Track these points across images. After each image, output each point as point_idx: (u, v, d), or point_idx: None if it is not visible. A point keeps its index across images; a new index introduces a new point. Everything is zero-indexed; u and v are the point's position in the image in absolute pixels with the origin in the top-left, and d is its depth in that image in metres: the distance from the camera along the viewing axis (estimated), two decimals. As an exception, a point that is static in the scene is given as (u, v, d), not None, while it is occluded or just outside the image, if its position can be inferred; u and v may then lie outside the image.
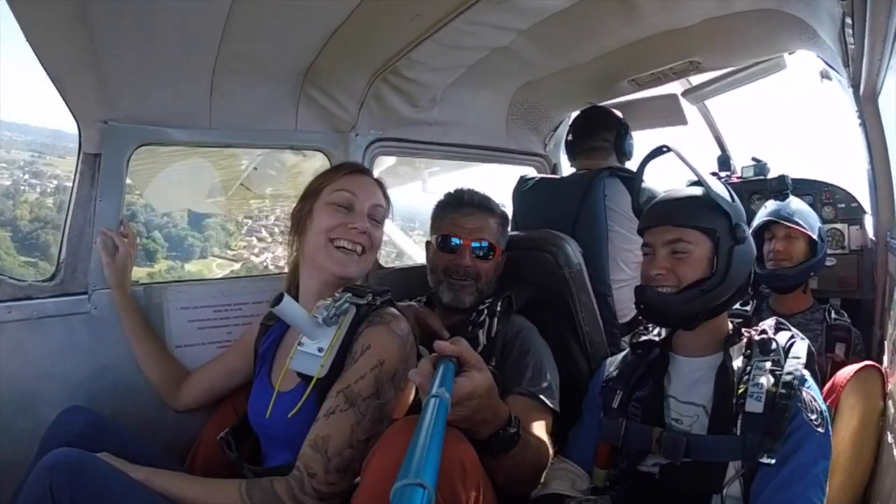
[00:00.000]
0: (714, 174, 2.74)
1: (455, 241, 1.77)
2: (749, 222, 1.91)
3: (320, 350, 1.30)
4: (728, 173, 2.66)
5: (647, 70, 2.19)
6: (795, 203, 2.10)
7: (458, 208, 1.82)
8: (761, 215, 2.12)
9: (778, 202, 2.11)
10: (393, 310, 1.39)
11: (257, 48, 1.67)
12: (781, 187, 2.16)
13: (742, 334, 1.35)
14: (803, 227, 2.02)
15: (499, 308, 1.70)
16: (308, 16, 1.57)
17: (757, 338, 1.32)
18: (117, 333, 1.67)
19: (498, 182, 2.61)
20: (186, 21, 1.44)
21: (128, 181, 1.73)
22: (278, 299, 1.24)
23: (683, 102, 2.58)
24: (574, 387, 1.68)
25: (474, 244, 1.76)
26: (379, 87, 1.98)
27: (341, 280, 1.43)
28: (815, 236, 2.03)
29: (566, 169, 2.64)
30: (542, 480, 1.39)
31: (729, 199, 1.36)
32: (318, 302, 1.36)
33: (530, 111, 2.53)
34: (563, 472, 1.41)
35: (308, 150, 2.12)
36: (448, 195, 1.88)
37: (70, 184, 1.68)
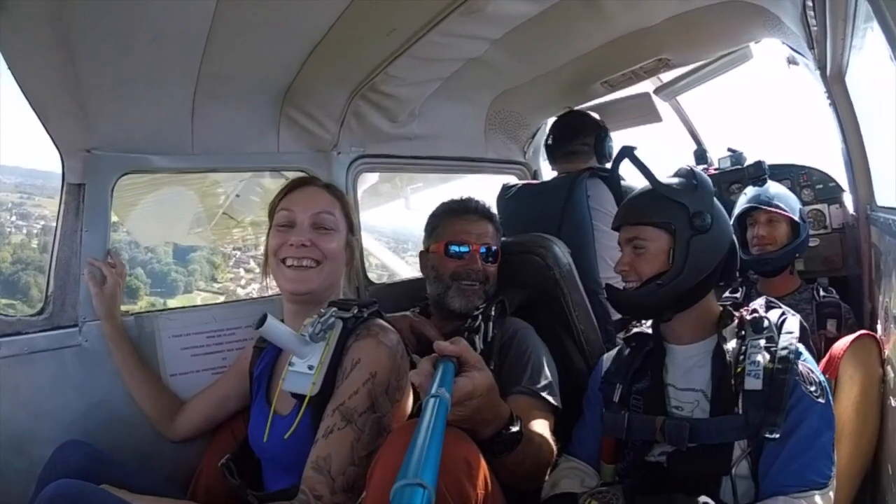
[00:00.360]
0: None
1: (464, 247, 1.80)
2: (730, 212, 1.96)
3: (310, 368, 1.29)
4: (705, 166, 2.71)
5: (618, 71, 2.24)
6: (774, 187, 2.14)
7: (464, 215, 1.85)
8: (741, 203, 2.16)
9: (757, 188, 2.15)
10: (380, 321, 1.38)
11: (236, 70, 1.69)
12: (758, 173, 2.20)
13: (733, 316, 1.37)
14: (784, 210, 2.06)
15: (493, 312, 1.71)
16: (285, 36, 1.60)
17: (749, 317, 1.34)
18: (110, 365, 1.65)
19: (480, 193, 2.64)
20: (165, 44, 1.46)
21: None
22: (262, 320, 1.22)
23: (656, 100, 2.63)
24: (573, 385, 1.69)
25: (482, 249, 1.79)
26: (358, 104, 2.01)
27: (307, 297, 1.44)
28: (796, 218, 2.07)
29: (546, 175, 2.69)
30: (552, 481, 1.39)
31: (690, 188, 1.39)
32: (304, 321, 1.35)
33: (507, 120, 2.57)
34: (572, 470, 1.41)
35: (291, 171, 2.11)
36: (452, 202, 1.92)
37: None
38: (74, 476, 1.28)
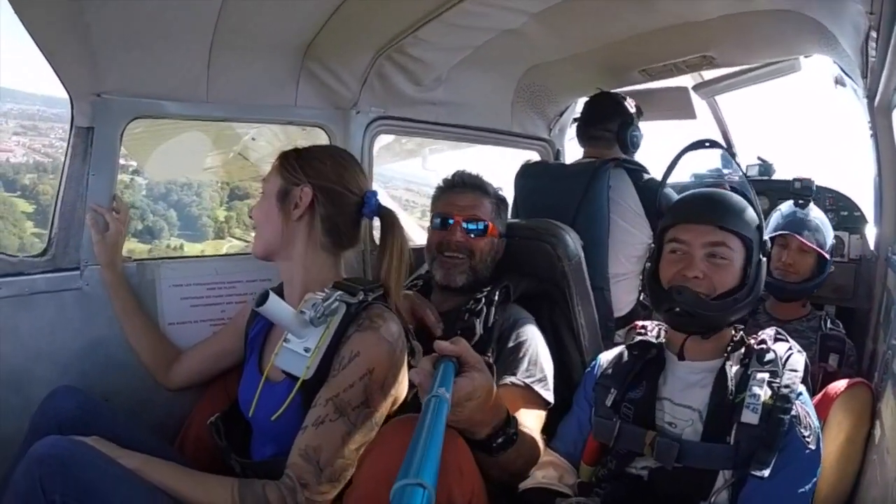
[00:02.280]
0: (716, 170, 2.72)
1: (448, 219, 1.76)
2: None
3: (307, 350, 1.27)
4: (730, 170, 2.63)
5: (659, 61, 2.13)
6: (816, 215, 2.06)
7: (453, 188, 1.82)
8: (777, 219, 2.09)
9: (797, 210, 2.07)
10: (384, 309, 1.35)
11: (256, 23, 1.60)
12: (805, 193, 2.10)
13: (744, 342, 1.35)
14: (820, 249, 2.00)
15: (496, 297, 1.69)
16: None
17: (756, 347, 1.31)
18: (110, 310, 1.65)
19: (501, 164, 2.58)
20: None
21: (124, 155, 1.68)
22: (263, 298, 1.20)
23: (693, 96, 2.53)
24: (566, 378, 1.69)
25: (467, 222, 1.74)
26: (382, 64, 1.92)
27: (263, 259, 1.46)
28: (826, 254, 2.01)
29: (570, 156, 2.61)
30: (530, 472, 1.40)
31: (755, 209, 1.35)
32: (306, 295, 1.33)
33: (537, 95, 2.47)
34: (552, 465, 1.42)
35: (308, 125, 2.06)
36: (445, 178, 1.86)
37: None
38: (65, 423, 1.32)
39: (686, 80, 2.49)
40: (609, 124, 2.18)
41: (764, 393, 1.21)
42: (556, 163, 2.42)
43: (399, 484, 0.63)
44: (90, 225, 1.60)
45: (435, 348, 1.07)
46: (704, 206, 1.34)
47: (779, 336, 1.36)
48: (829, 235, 2.05)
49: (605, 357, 1.51)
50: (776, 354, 1.28)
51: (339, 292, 1.31)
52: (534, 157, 2.63)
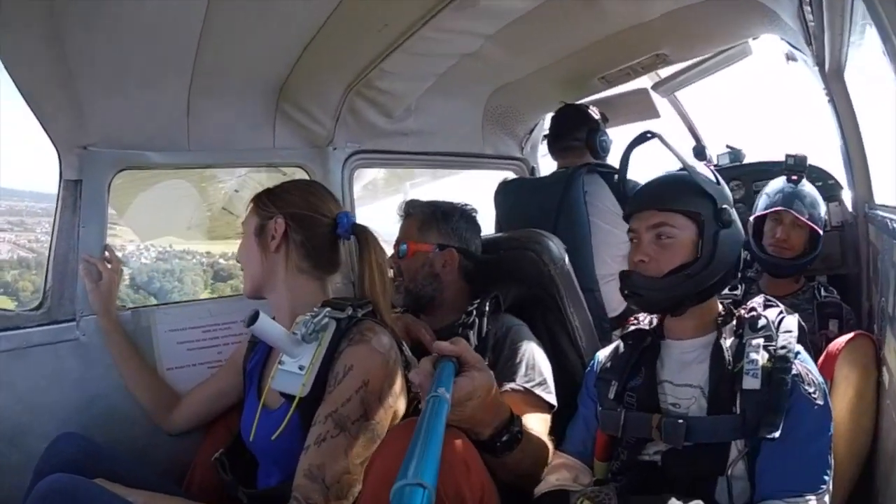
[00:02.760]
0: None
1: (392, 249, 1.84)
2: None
3: (301, 368, 1.29)
4: (704, 163, 2.70)
5: (615, 66, 2.23)
6: (809, 191, 2.08)
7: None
8: (772, 193, 2.10)
9: (791, 186, 2.08)
10: (374, 323, 1.38)
11: (231, 66, 1.69)
12: (799, 168, 2.10)
13: (733, 314, 1.36)
14: (814, 225, 2.02)
15: (487, 308, 1.71)
16: (279, 31, 1.60)
17: (747, 316, 1.32)
18: (107, 359, 1.67)
19: (481, 188, 2.64)
20: (159, 40, 1.47)
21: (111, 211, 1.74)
22: (253, 318, 1.23)
23: (654, 96, 2.62)
24: (567, 382, 1.68)
25: (398, 249, 1.81)
26: (353, 100, 2.01)
27: (254, 296, 1.50)
28: (819, 229, 2.03)
29: (545, 171, 2.68)
30: (543, 477, 1.38)
31: (714, 181, 1.37)
32: (297, 318, 1.36)
33: (505, 115, 2.56)
34: (564, 466, 1.40)
35: (287, 166, 2.13)
36: None
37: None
38: (69, 468, 1.29)
39: (645, 82, 2.58)
40: (577, 133, 2.25)
41: (762, 357, 1.21)
42: (531, 178, 2.49)
43: (399, 484, 0.64)
44: (83, 275, 1.64)
45: (434, 349, 1.09)
46: (644, 194, 1.40)
47: (768, 303, 1.38)
48: (822, 210, 2.06)
49: (603, 353, 1.52)
50: (768, 319, 1.29)
51: (328, 309, 1.34)
52: (511, 176, 2.70)
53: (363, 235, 1.50)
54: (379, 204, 3.54)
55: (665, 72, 2.54)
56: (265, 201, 1.49)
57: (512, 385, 1.53)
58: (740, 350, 1.25)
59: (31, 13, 1.27)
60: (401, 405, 1.36)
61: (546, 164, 2.53)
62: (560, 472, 1.38)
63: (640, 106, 2.61)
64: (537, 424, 1.44)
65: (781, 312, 1.32)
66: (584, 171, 2.12)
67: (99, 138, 1.64)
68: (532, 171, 2.73)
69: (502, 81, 2.36)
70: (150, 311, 1.78)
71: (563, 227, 2.04)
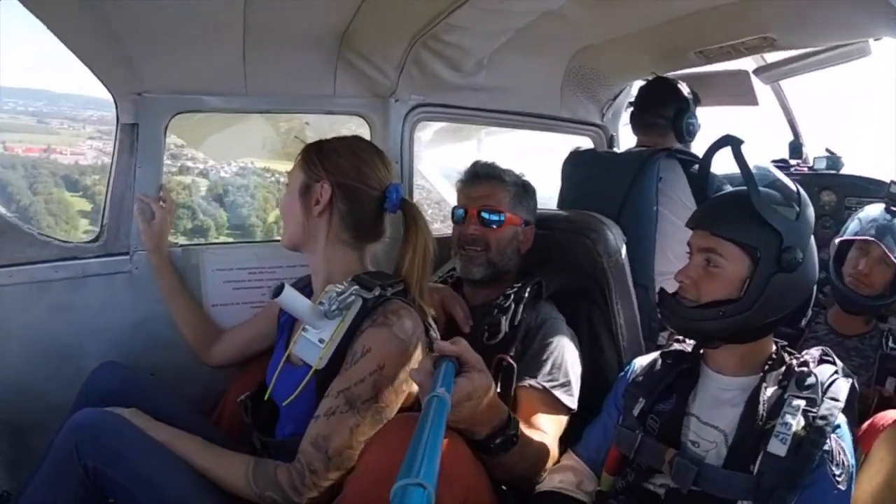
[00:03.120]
0: (783, 161, 2.46)
1: (460, 210, 1.73)
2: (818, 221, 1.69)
3: (321, 341, 1.30)
4: (798, 161, 2.37)
5: (715, 42, 1.94)
6: None
7: (468, 180, 1.78)
8: (860, 222, 1.88)
9: (887, 218, 1.84)
10: (401, 305, 1.35)
11: (285, 18, 1.62)
12: None
13: (784, 361, 1.22)
14: None
15: (526, 294, 1.63)
16: None
17: (797, 369, 1.19)
18: (156, 292, 1.77)
19: (556, 146, 2.47)
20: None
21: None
22: (278, 290, 1.25)
23: (755, 81, 2.29)
24: (600, 380, 1.63)
25: (481, 212, 1.70)
26: (419, 51, 1.88)
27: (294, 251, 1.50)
28: None
29: (625, 142, 2.46)
30: (549, 474, 1.37)
31: (790, 216, 1.20)
32: (327, 287, 1.36)
33: (588, 78, 2.34)
34: (571, 469, 1.37)
35: (347, 115, 2.08)
36: (464, 170, 1.83)
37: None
38: (108, 395, 1.44)
39: (748, 64, 2.25)
40: (664, 111, 2.04)
41: (797, 423, 1.10)
42: (605, 151, 2.28)
43: (399, 484, 0.64)
44: (137, 214, 1.72)
45: (435, 348, 1.08)
46: (703, 211, 1.31)
47: (825, 357, 1.23)
48: None
49: (640, 362, 1.42)
50: (817, 379, 1.16)
51: (356, 286, 1.32)
52: (586, 143, 2.50)
53: (411, 213, 1.45)
54: (450, 148, 3.44)
55: (771, 57, 2.23)
56: (314, 159, 1.44)
57: (531, 381, 1.49)
58: (778, 406, 1.14)
59: None
60: (415, 387, 1.35)
61: (627, 135, 2.31)
62: (566, 473, 1.36)
63: (738, 89, 2.31)
64: (548, 426, 1.41)
65: (835, 374, 1.18)
66: (663, 155, 1.91)
67: (153, 85, 1.66)
68: (611, 140, 2.51)
69: (587, 42, 2.12)
70: (199, 249, 1.86)
71: (628, 214, 1.89)
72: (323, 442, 1.23)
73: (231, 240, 1.99)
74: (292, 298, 1.28)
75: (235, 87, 1.79)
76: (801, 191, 1.26)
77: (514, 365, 1.50)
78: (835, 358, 1.23)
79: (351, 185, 1.42)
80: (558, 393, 1.48)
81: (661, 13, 1.81)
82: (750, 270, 1.18)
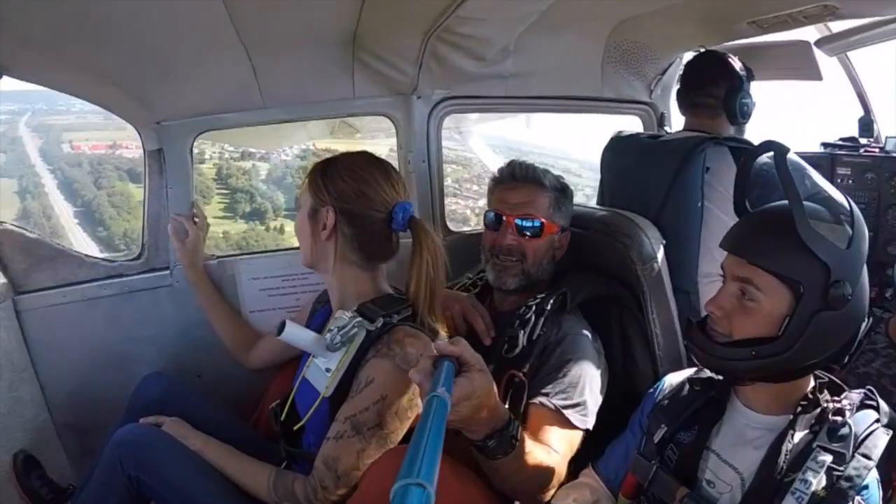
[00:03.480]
0: (852, 140, 2.10)
1: (499, 217, 1.63)
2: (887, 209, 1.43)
3: (328, 370, 1.35)
4: (870, 140, 2.01)
5: (771, 11, 1.65)
6: None
7: (506, 182, 1.67)
8: None
9: None
10: (407, 332, 1.35)
11: (287, 27, 1.60)
12: None
13: (819, 403, 1.08)
14: None
15: (549, 307, 1.55)
16: None
17: (831, 416, 1.05)
18: (197, 302, 1.88)
19: (607, 125, 2.29)
20: (200, 20, 1.42)
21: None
22: (281, 328, 1.30)
23: (818, 53, 1.94)
24: (632, 393, 1.54)
25: (518, 221, 1.60)
26: (435, 45, 1.79)
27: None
28: None
29: (676, 119, 2.21)
30: (566, 490, 1.33)
31: (844, 240, 1.04)
32: (336, 313, 1.39)
33: (631, 53, 2.12)
34: (588, 487, 1.33)
35: (370, 115, 2.05)
36: (500, 169, 1.72)
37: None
38: (153, 406, 1.58)
39: (809, 34, 1.91)
40: (714, 90, 1.82)
41: (818, 482, 0.98)
42: (648, 137, 2.05)
43: (399, 484, 0.64)
44: (171, 234, 1.82)
45: (434, 348, 1.06)
46: (740, 233, 1.14)
47: (867, 401, 1.07)
48: None
49: (670, 380, 1.32)
50: (851, 430, 1.02)
51: (359, 318, 1.34)
52: (633, 123, 2.30)
53: (418, 230, 1.42)
54: (498, 123, 3.30)
55: (836, 26, 1.88)
56: (318, 183, 1.45)
57: (542, 399, 1.43)
58: (804, 456, 1.02)
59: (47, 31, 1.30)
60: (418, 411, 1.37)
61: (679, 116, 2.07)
62: (582, 491, 1.32)
63: (798, 62, 1.99)
64: (557, 444, 1.37)
65: (875, 423, 1.04)
66: (711, 144, 1.70)
67: (170, 113, 1.73)
68: (661, 118, 2.28)
69: (628, 14, 1.90)
70: (234, 260, 1.95)
71: (671, 211, 1.72)
72: (333, 462, 1.29)
73: (263, 249, 2.03)
74: (294, 334, 1.33)
75: (252, 101, 1.82)
76: (854, 207, 1.08)
77: (525, 382, 1.46)
78: (879, 402, 1.07)
79: (354, 211, 1.41)
80: (569, 413, 1.42)
81: None
82: (790, 307, 1.04)
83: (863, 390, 1.10)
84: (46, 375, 1.75)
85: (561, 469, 1.34)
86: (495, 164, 3.31)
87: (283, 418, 1.57)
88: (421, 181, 2.08)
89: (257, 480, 1.38)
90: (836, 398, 1.08)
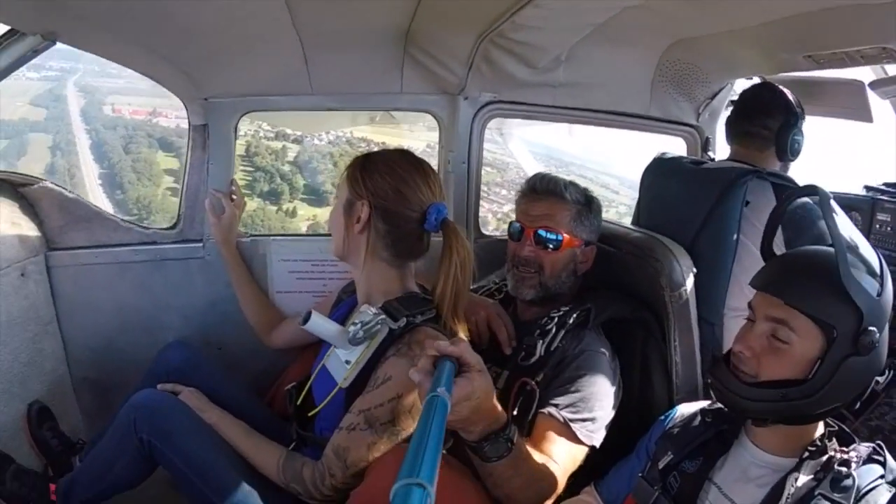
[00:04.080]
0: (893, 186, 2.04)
1: (519, 227, 1.64)
2: None
3: (347, 362, 1.37)
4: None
5: (828, 48, 1.62)
6: None
7: (528, 194, 1.67)
8: None
9: None
10: (428, 334, 1.35)
11: (341, 19, 1.61)
12: None
13: (827, 450, 1.07)
14: None
15: (571, 320, 1.55)
16: None
17: (836, 466, 1.04)
18: (227, 276, 1.92)
19: (651, 143, 2.26)
20: (255, 9, 1.44)
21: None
22: (307, 317, 1.32)
23: (871, 95, 1.88)
24: (646, 418, 1.48)
25: (539, 231, 1.60)
26: (488, 48, 1.78)
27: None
28: None
29: (721, 147, 2.18)
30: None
31: (874, 289, 1.03)
32: (361, 306, 1.41)
33: (684, 73, 2.08)
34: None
35: (415, 111, 2.06)
36: (525, 181, 1.73)
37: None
38: (173, 374, 1.62)
39: (865, 74, 1.85)
40: (769, 121, 1.78)
41: None
42: (691, 162, 2.02)
43: (399, 484, 0.65)
44: (208, 210, 1.86)
45: (434, 348, 1.07)
46: (777, 273, 1.13)
47: (875, 455, 1.06)
48: None
49: (682, 411, 1.32)
50: (854, 483, 1.01)
51: (383, 316, 1.35)
52: (677, 144, 2.26)
53: (450, 233, 1.42)
54: (540, 129, 3.28)
55: (893, 69, 1.81)
56: (357, 176, 1.46)
57: (552, 410, 1.42)
58: (804, 501, 1.02)
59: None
60: None
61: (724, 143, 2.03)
62: None
63: (850, 101, 1.93)
64: (559, 456, 1.36)
65: (880, 479, 1.03)
66: (753, 177, 1.66)
67: (218, 91, 1.76)
68: (706, 143, 2.23)
69: (685, 34, 1.87)
70: (267, 240, 1.98)
71: (705, 241, 1.69)
72: (343, 452, 1.31)
73: (297, 233, 2.05)
74: (319, 325, 1.35)
75: (300, 86, 1.83)
76: (881, 258, 1.08)
77: (537, 391, 1.46)
78: (887, 458, 1.06)
79: (389, 208, 1.42)
80: (577, 426, 1.41)
81: (767, 11, 1.53)
82: (822, 350, 1.03)
83: (871, 444, 1.08)
84: (70, 331, 1.81)
85: (559, 481, 1.33)
86: (533, 170, 3.29)
87: (298, 402, 1.61)
88: (458, 182, 2.09)
89: (268, 460, 1.41)
90: (844, 448, 1.07)
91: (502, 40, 1.73)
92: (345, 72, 1.85)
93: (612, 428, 1.48)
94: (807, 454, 1.07)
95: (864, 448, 1.07)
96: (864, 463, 1.05)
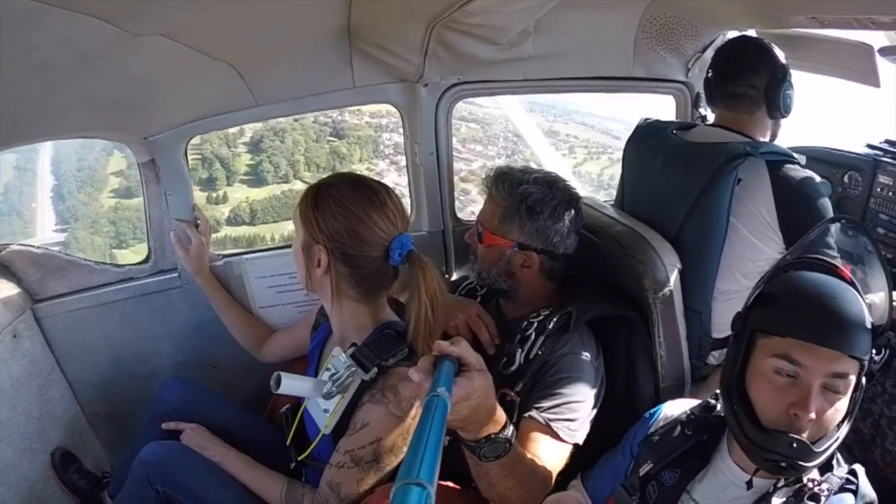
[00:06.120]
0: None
1: None
2: None
3: (326, 411, 1.38)
4: None
5: (836, 12, 1.40)
6: None
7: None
8: None
9: None
10: (402, 376, 1.32)
11: (272, 37, 1.47)
12: None
13: (801, 478, 1.05)
14: None
15: (551, 325, 1.51)
16: None
17: (809, 492, 1.03)
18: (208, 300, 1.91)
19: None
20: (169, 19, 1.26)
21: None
22: (277, 382, 1.30)
23: (880, 60, 1.64)
24: (630, 413, 1.49)
25: (476, 230, 1.63)
26: (442, 33, 1.61)
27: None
28: None
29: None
30: (554, 498, 1.36)
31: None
32: (333, 350, 1.40)
33: (670, 28, 1.87)
34: (576, 500, 1.36)
35: (374, 104, 1.90)
36: None
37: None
38: (173, 412, 1.66)
39: (876, 38, 1.60)
40: (755, 78, 1.62)
41: None
42: (677, 129, 1.83)
43: (399, 483, 0.66)
44: (174, 243, 1.81)
45: (434, 348, 1.07)
46: (833, 322, 0.98)
47: (847, 485, 1.05)
48: None
49: (667, 412, 1.30)
50: None
51: (354, 367, 1.34)
52: (666, 103, 2.08)
53: (416, 269, 1.36)
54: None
55: None
56: (310, 217, 1.37)
57: (533, 413, 1.43)
58: None
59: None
60: None
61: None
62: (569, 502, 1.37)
63: (857, 64, 1.72)
64: (546, 456, 1.38)
65: None
66: (745, 160, 1.51)
67: (156, 128, 1.65)
68: (696, 98, 2.04)
69: None
70: (240, 260, 1.93)
71: (693, 228, 1.60)
72: (336, 487, 1.37)
73: (267, 247, 1.97)
74: (292, 386, 1.35)
75: (243, 101, 1.71)
76: None
77: (517, 401, 1.47)
78: (859, 484, 1.05)
79: (348, 251, 1.35)
80: (558, 426, 1.42)
81: None
82: (856, 381, 0.99)
83: (846, 474, 1.06)
84: (73, 373, 1.85)
85: (549, 481, 1.36)
86: (522, 122, 3.09)
87: (293, 428, 1.64)
88: (429, 174, 1.98)
89: (272, 491, 1.47)
90: (818, 479, 1.04)
91: (457, 24, 1.55)
92: (287, 78, 1.72)
93: (600, 419, 1.50)
94: (782, 482, 1.05)
95: (837, 478, 1.05)
96: (837, 492, 1.03)
